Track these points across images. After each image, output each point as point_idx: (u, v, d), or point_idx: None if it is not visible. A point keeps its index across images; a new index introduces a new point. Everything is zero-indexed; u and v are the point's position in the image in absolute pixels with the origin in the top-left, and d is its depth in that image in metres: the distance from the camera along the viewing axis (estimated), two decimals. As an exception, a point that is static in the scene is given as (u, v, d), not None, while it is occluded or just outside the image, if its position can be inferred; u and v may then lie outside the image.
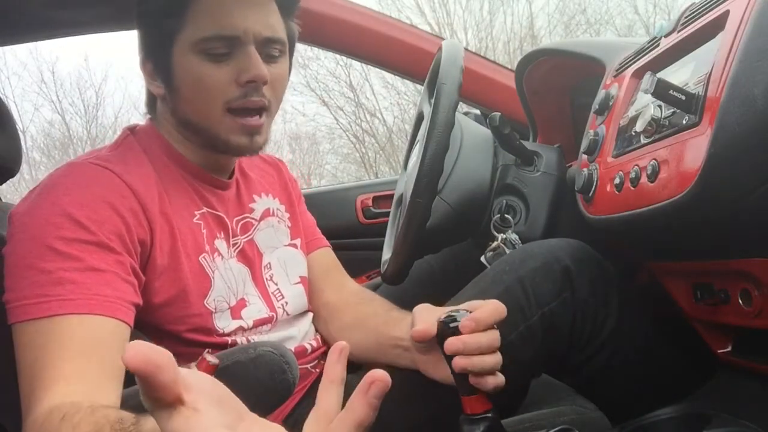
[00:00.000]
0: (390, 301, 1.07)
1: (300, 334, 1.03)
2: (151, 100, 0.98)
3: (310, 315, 1.09)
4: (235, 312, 0.94)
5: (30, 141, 9.73)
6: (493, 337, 0.76)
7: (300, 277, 1.08)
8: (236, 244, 0.99)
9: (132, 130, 0.97)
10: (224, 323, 0.92)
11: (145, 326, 0.86)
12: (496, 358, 0.75)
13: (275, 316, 0.99)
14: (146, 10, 0.93)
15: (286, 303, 1.02)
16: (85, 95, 10.14)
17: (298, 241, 1.11)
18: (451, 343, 0.74)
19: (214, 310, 0.91)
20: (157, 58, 0.93)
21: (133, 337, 0.80)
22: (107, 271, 0.78)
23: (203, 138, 0.94)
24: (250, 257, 1.00)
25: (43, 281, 0.75)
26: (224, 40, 0.88)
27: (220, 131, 0.92)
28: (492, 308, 0.77)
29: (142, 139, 0.95)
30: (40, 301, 0.74)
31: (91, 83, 10.99)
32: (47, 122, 10.31)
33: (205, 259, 0.92)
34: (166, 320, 0.88)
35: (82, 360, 0.72)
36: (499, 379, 0.75)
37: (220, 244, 0.96)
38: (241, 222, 1.01)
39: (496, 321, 0.77)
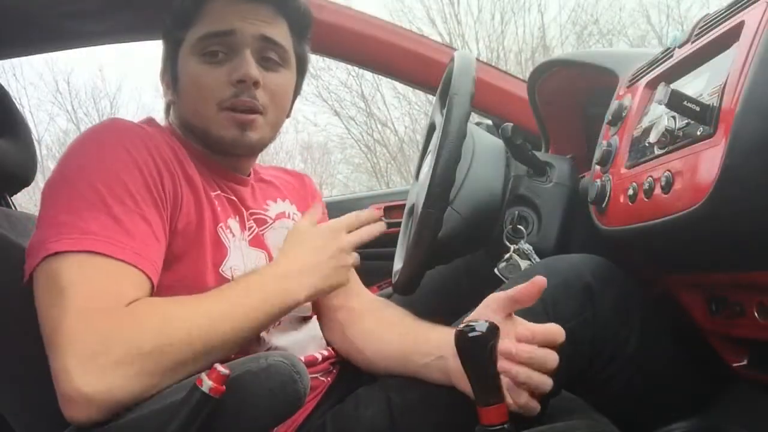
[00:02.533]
0: None
1: (305, 340, 1.02)
2: (168, 110, 1.02)
3: (315, 322, 1.08)
4: None
5: (45, 150, 9.83)
6: (551, 357, 0.77)
7: None
8: (251, 228, 0.99)
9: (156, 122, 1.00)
10: None
11: (164, 289, 0.85)
12: (543, 380, 0.76)
13: None
14: (165, 24, 0.98)
15: None
16: (99, 105, 10.23)
17: None
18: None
19: (231, 278, 0.90)
20: (170, 68, 0.98)
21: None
22: (162, 242, 0.82)
23: (201, 138, 0.97)
24: (264, 246, 1.00)
25: (116, 228, 0.77)
26: (218, 36, 0.92)
27: (212, 128, 0.94)
28: (553, 328, 0.78)
29: (165, 129, 0.98)
30: (113, 243, 0.76)
31: (106, 93, 11.09)
32: (62, 132, 10.40)
33: (222, 230, 0.93)
34: (184, 284, 0.86)
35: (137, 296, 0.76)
36: (533, 404, 0.77)
37: (233, 224, 0.96)
38: (255, 216, 1.01)
39: (553, 341, 0.78)
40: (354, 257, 0.92)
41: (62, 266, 0.74)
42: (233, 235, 0.94)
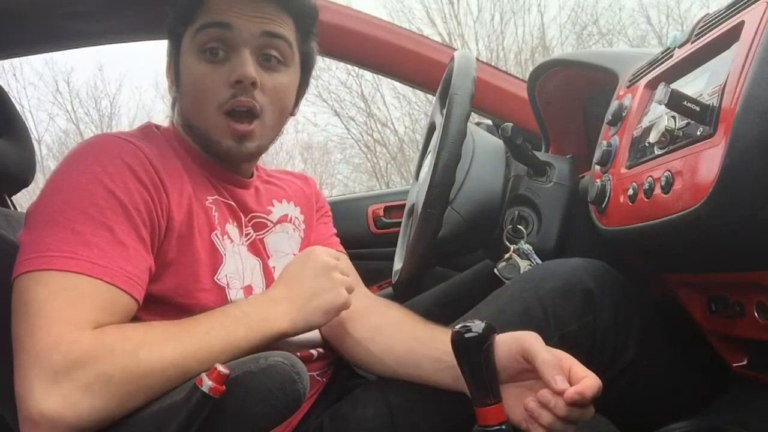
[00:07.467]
0: None
1: (303, 338, 1.01)
2: (174, 106, 1.02)
3: None
4: (246, 294, 0.93)
5: (45, 150, 9.84)
6: (587, 414, 0.74)
7: None
8: (248, 234, 0.98)
9: (155, 125, 0.99)
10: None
11: (158, 300, 0.85)
12: (567, 428, 0.74)
13: None
14: (168, 18, 0.98)
15: None
16: (99, 105, 10.25)
17: None
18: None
19: (227, 286, 0.90)
20: (174, 63, 0.98)
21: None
22: (131, 248, 0.79)
23: (200, 140, 0.96)
24: (261, 252, 0.99)
25: (74, 241, 0.76)
26: (214, 28, 0.91)
27: (212, 133, 0.93)
28: (598, 386, 0.73)
29: (164, 132, 0.98)
30: (69, 257, 0.75)
31: (106, 93, 11.11)
32: (62, 131, 10.41)
33: (217, 237, 0.92)
34: (178, 293, 0.87)
35: (104, 316, 0.74)
36: None
37: (231, 229, 0.95)
38: (255, 220, 1.01)
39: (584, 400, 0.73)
40: (347, 296, 0.90)
41: (24, 285, 0.74)
42: (231, 241, 0.94)
